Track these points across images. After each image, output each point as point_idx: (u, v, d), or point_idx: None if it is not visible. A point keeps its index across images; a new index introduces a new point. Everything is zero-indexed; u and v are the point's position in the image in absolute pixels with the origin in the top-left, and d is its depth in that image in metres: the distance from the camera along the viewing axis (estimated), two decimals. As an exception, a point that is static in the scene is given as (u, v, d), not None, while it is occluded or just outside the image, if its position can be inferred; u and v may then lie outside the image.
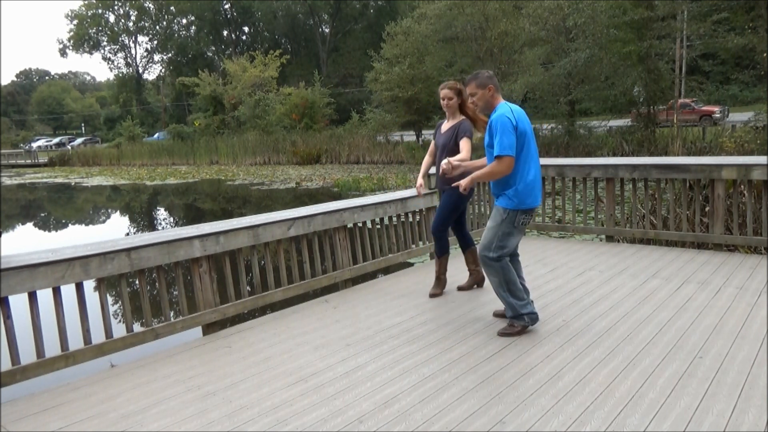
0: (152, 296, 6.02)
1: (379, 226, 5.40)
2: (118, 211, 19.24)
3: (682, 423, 2.55)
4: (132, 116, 54.57)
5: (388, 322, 4.06)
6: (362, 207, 5.09)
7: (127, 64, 68.65)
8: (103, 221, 17.13)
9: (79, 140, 59.90)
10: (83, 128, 77.07)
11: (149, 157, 39.66)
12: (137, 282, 3.84)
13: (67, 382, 3.35)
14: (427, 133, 29.74)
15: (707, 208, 5.88)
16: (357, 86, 44.67)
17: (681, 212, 5.81)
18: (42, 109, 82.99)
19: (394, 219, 5.52)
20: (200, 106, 46.51)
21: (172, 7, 62.68)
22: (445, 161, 3.96)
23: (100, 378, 3.40)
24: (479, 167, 3.91)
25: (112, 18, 65.97)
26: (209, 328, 4.08)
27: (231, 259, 4.25)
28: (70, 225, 16.97)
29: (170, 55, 65.18)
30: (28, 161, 47.35)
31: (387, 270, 5.68)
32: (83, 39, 65.26)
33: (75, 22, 65.50)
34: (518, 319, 3.69)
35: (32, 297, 3.29)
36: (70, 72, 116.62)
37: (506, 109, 3.55)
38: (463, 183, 3.72)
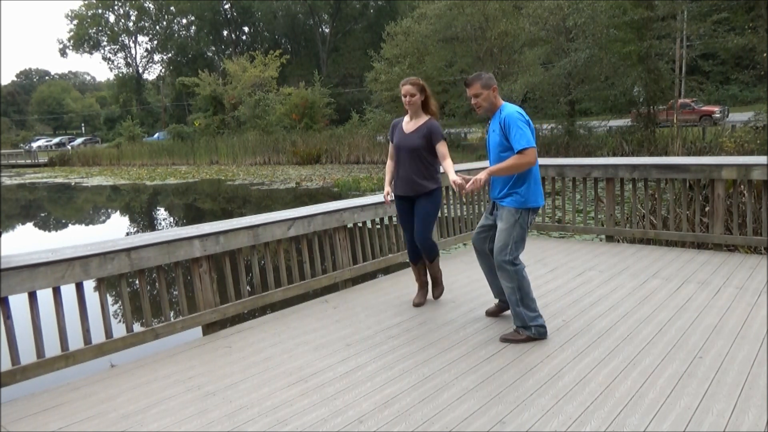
0: (152, 296, 6.02)
1: (379, 226, 5.40)
2: (118, 211, 19.23)
3: (682, 423, 2.55)
4: (132, 116, 54.57)
5: (388, 322, 4.06)
6: (362, 207, 5.09)
7: (127, 64, 68.68)
8: (103, 221, 17.13)
9: (79, 140, 59.88)
10: (83, 128, 77.06)
11: (149, 157, 39.67)
12: (137, 282, 3.84)
13: (67, 382, 3.35)
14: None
15: (707, 208, 5.88)
16: (357, 86, 44.66)
17: (681, 212, 5.81)
18: (42, 109, 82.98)
19: (394, 219, 5.52)
20: (200, 106, 46.52)
21: (172, 7, 62.66)
22: (460, 180, 3.55)
23: (100, 378, 3.40)
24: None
25: (112, 18, 66.00)
26: (209, 328, 4.08)
27: (231, 259, 4.25)
28: (70, 225, 16.97)
29: (170, 55, 65.18)
30: (28, 161, 47.34)
31: (387, 270, 5.68)
32: (83, 39, 65.25)
33: (75, 22, 65.51)
34: (526, 329, 3.61)
35: (32, 297, 3.29)
36: (70, 72, 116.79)
37: (515, 108, 3.60)
38: (482, 176, 3.46)
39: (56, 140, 63.16)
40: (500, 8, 25.31)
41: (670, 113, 22.75)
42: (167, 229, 6.61)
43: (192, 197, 21.22)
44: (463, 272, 5.26)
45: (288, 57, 44.31)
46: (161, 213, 18.51)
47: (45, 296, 3.34)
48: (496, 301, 4.12)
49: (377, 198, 5.34)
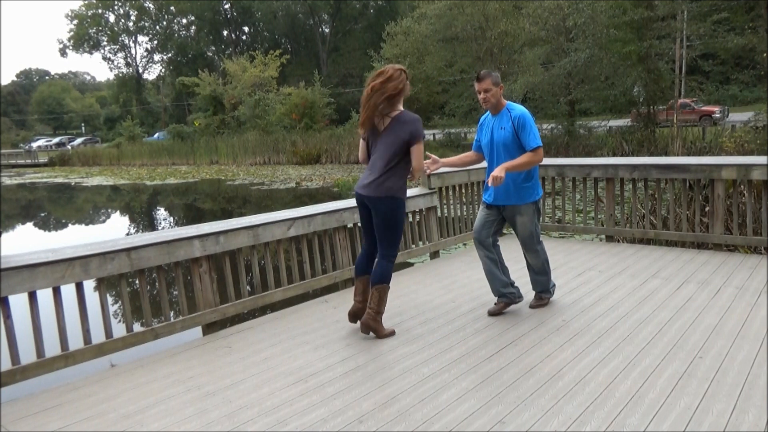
0: (152, 296, 6.01)
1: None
2: (118, 211, 19.24)
3: (682, 423, 2.55)
4: (132, 116, 54.58)
5: (387, 323, 4.05)
6: (362, 207, 5.08)
7: (127, 64, 68.73)
8: (103, 221, 17.13)
9: (79, 140, 59.89)
10: (83, 128, 77.06)
11: (149, 157, 39.67)
12: (137, 282, 3.84)
13: (67, 382, 3.35)
14: (426, 133, 29.74)
15: (707, 208, 5.88)
16: (357, 86, 44.64)
17: (681, 212, 5.81)
18: (42, 109, 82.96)
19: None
20: (200, 106, 46.53)
21: (172, 7, 62.71)
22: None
23: (100, 378, 3.40)
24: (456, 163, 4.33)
25: (112, 18, 66.06)
26: (209, 328, 4.08)
27: (231, 259, 4.25)
28: (70, 225, 16.97)
29: (170, 55, 65.21)
30: (28, 161, 47.35)
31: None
32: (83, 39, 65.30)
33: (75, 22, 65.56)
34: (546, 292, 4.20)
35: (32, 297, 3.29)
36: (70, 72, 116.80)
37: (523, 107, 3.89)
38: (501, 174, 3.64)
39: (56, 140, 63.15)
40: (500, 8, 25.32)
41: (670, 113, 22.76)
42: (167, 229, 6.60)
43: (192, 197, 21.23)
44: (463, 272, 5.26)
45: (288, 57, 44.32)
46: (161, 213, 18.51)
47: (45, 296, 3.34)
48: (496, 300, 4.14)
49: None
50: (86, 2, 64.87)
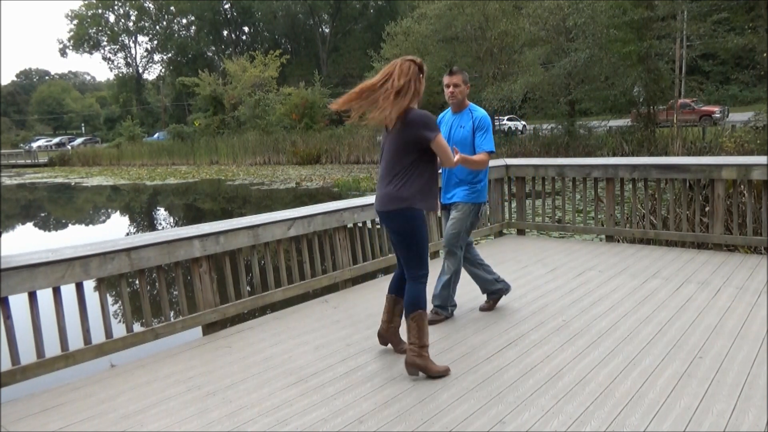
0: (152, 296, 6.01)
1: (379, 226, 5.40)
2: (118, 211, 19.23)
3: (682, 423, 2.55)
4: (132, 116, 54.58)
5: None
6: (362, 207, 5.09)
7: (127, 64, 68.73)
8: (103, 221, 17.13)
9: (79, 140, 59.90)
10: (83, 128, 77.01)
11: (149, 157, 39.67)
12: (137, 282, 3.84)
13: (67, 382, 3.35)
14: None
15: (707, 208, 5.88)
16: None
17: (681, 212, 5.81)
18: (42, 109, 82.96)
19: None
20: (200, 106, 46.51)
21: (172, 7, 62.69)
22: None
23: (100, 378, 3.40)
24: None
25: (112, 18, 66.06)
26: (209, 328, 4.08)
27: (231, 259, 4.25)
28: (70, 225, 16.97)
29: (170, 55, 65.18)
30: (28, 161, 47.37)
31: (387, 270, 5.67)
32: (83, 39, 65.29)
33: (75, 22, 65.55)
34: (444, 309, 4.04)
35: (32, 297, 3.29)
36: (70, 72, 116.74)
37: (485, 111, 3.94)
38: (458, 159, 3.41)
39: (56, 140, 63.16)
40: (500, 8, 25.30)
41: (670, 113, 22.77)
42: (167, 229, 6.60)
43: (192, 197, 21.22)
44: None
45: (288, 57, 44.30)
46: (161, 213, 18.51)
47: (45, 296, 3.34)
48: (485, 297, 4.24)
49: (377, 198, 5.32)
50: (86, 2, 64.88)
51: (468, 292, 4.66)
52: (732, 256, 5.35)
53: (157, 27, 65.69)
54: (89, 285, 3.67)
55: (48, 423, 2.87)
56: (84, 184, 28.31)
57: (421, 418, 2.70)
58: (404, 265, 3.20)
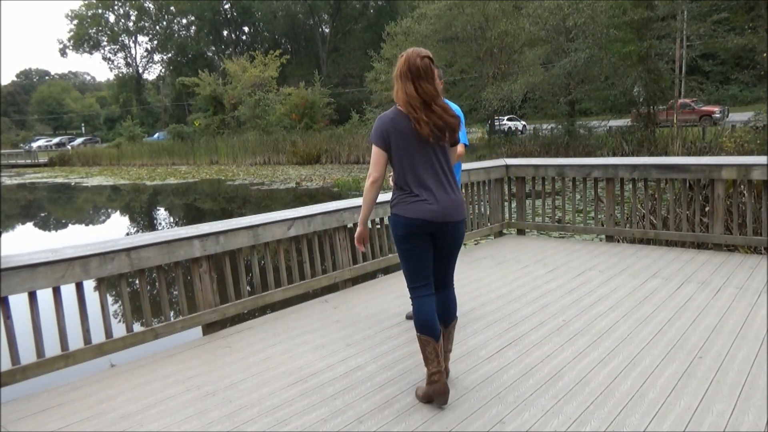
0: (152, 296, 6.01)
1: (379, 226, 5.40)
2: (118, 211, 19.23)
3: (682, 423, 2.55)
4: (132, 116, 54.60)
5: (388, 322, 4.05)
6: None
7: (127, 64, 68.77)
8: (103, 221, 17.13)
9: (79, 140, 59.91)
10: (83, 128, 77.03)
11: (149, 157, 39.66)
12: (137, 282, 3.84)
13: (67, 382, 3.35)
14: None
15: (707, 208, 5.88)
16: (357, 86, 44.66)
17: (681, 212, 5.81)
18: (42, 109, 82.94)
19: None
20: (200, 106, 46.52)
21: (172, 7, 62.71)
22: None
23: (100, 378, 3.40)
24: None
25: (112, 18, 66.10)
26: (209, 328, 4.08)
27: (231, 259, 4.25)
28: (70, 225, 16.97)
29: (170, 55, 65.20)
30: (28, 161, 47.37)
31: (387, 270, 5.67)
32: (83, 39, 65.32)
33: (75, 22, 65.57)
34: None
35: (32, 297, 3.29)
36: (70, 72, 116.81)
37: (458, 107, 3.80)
38: None
39: (56, 140, 63.18)
40: (500, 8, 25.31)
41: (670, 113, 22.76)
42: (167, 229, 6.61)
43: (192, 197, 21.22)
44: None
45: (288, 57, 44.33)
46: (161, 213, 18.51)
47: (45, 296, 3.34)
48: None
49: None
50: (86, 2, 64.90)
51: (469, 292, 4.66)
52: (732, 256, 5.35)
53: (157, 27, 65.72)
54: (89, 285, 3.67)
55: (48, 423, 2.87)
56: (84, 184, 28.31)
57: (421, 418, 2.70)
58: (447, 273, 3.03)
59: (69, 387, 3.29)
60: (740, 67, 25.69)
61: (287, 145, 32.52)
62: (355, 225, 5.09)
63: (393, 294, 4.75)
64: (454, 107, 3.78)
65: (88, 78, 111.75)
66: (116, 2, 64.19)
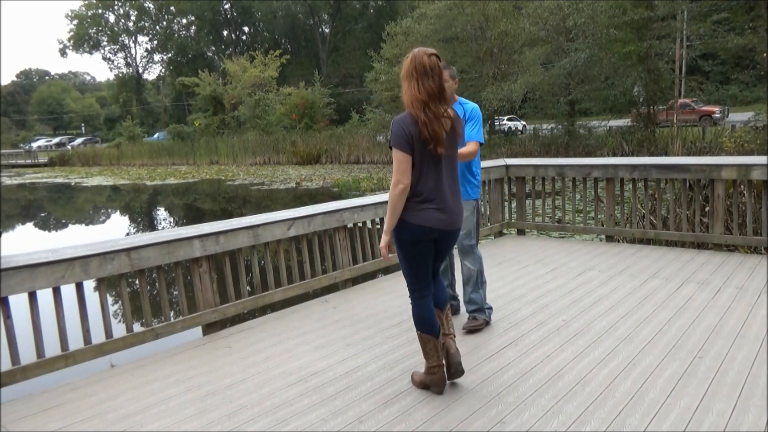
0: (152, 296, 6.01)
1: (379, 226, 5.40)
2: (118, 211, 19.23)
3: (682, 423, 2.55)
4: (132, 116, 54.59)
5: (388, 322, 4.05)
6: (362, 207, 5.09)
7: (127, 64, 68.77)
8: (103, 221, 17.13)
9: (79, 140, 59.90)
10: (83, 128, 77.03)
11: (149, 157, 39.66)
12: (137, 282, 3.84)
13: (67, 382, 3.35)
14: (427, 133, 29.68)
15: (707, 208, 5.88)
16: (357, 86, 44.64)
17: (681, 212, 5.81)
18: (42, 109, 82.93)
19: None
20: (200, 106, 46.53)
21: (172, 7, 62.71)
22: None
23: (100, 378, 3.40)
24: None
25: (112, 18, 66.10)
26: (209, 328, 4.08)
27: (231, 259, 4.25)
28: (70, 225, 16.97)
29: (170, 55, 65.21)
30: (28, 161, 47.36)
31: (387, 270, 5.68)
32: (83, 39, 65.32)
33: (75, 22, 65.58)
34: (481, 312, 3.85)
35: (32, 297, 3.29)
36: (70, 72, 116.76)
37: (476, 105, 3.89)
38: None
39: (56, 140, 63.16)
40: (500, 8, 25.29)
41: (670, 113, 22.76)
42: (167, 229, 6.61)
43: (192, 197, 21.22)
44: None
45: (288, 57, 44.32)
46: (161, 213, 18.51)
47: (45, 296, 3.34)
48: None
49: (377, 198, 5.33)
50: (86, 2, 64.90)
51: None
52: (732, 256, 5.35)
53: (157, 27, 65.72)
54: (89, 285, 3.67)
55: (48, 423, 2.87)
56: (84, 184, 28.31)
57: (421, 418, 2.70)
58: (437, 268, 3.04)
59: (69, 387, 3.29)
60: (740, 67, 25.68)
61: (287, 145, 32.52)
62: (355, 225, 5.13)
63: (393, 294, 4.75)
64: (472, 105, 3.83)
65: (88, 78, 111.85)
66: (116, 2, 64.19)
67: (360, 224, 5.17)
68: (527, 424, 2.61)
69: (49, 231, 16.33)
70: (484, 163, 6.64)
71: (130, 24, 65.94)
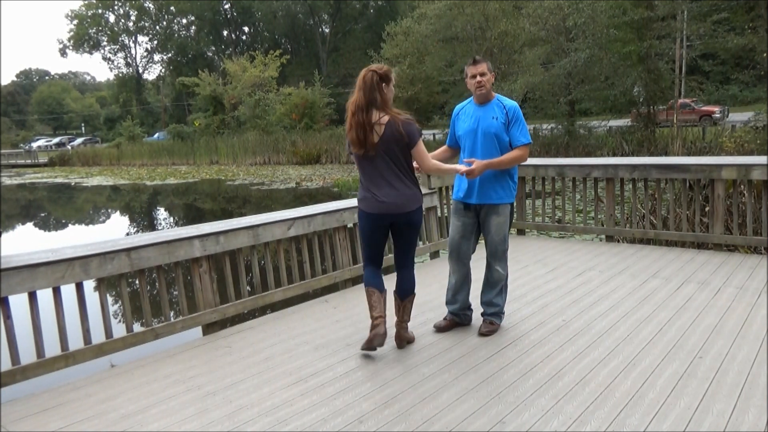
0: (152, 296, 6.01)
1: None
2: (118, 211, 19.23)
3: (682, 423, 2.55)
4: (132, 116, 54.54)
5: (388, 322, 4.05)
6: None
7: (127, 64, 68.76)
8: (103, 221, 17.13)
9: (79, 140, 59.88)
10: (83, 128, 77.01)
11: (149, 157, 39.65)
12: (137, 282, 3.84)
13: (67, 382, 3.35)
14: (426, 133, 29.75)
15: (707, 208, 5.88)
16: (357, 86, 44.57)
17: (681, 212, 5.81)
18: (42, 109, 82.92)
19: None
20: (200, 106, 46.49)
21: (172, 7, 62.69)
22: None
23: (100, 378, 3.40)
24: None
25: (112, 18, 66.08)
26: (209, 328, 4.08)
27: (231, 259, 4.25)
28: (70, 225, 16.96)
29: (170, 55, 65.19)
30: (28, 161, 47.33)
31: (387, 270, 5.67)
32: (83, 39, 65.30)
33: (75, 22, 65.56)
34: (497, 316, 3.82)
35: (32, 297, 3.29)
36: (70, 72, 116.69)
37: (514, 101, 3.70)
38: (478, 167, 3.45)
39: (56, 140, 63.14)
40: (500, 8, 25.30)
41: (670, 113, 22.75)
42: (167, 229, 6.61)
43: (192, 197, 21.22)
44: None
45: (288, 57, 44.26)
46: (161, 213, 18.51)
47: (45, 296, 3.34)
48: (446, 315, 3.91)
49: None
50: (86, 2, 64.88)
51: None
52: (732, 256, 5.35)
53: (157, 27, 65.71)
54: (89, 285, 3.67)
55: (48, 423, 2.87)
56: (84, 184, 28.30)
57: (421, 418, 2.70)
58: (401, 257, 3.59)
59: (69, 387, 3.29)
60: (740, 67, 25.68)
61: (287, 145, 32.50)
62: (355, 225, 5.12)
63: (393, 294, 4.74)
64: (510, 104, 3.65)
65: (88, 78, 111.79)
66: (116, 2, 64.19)
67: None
68: (527, 424, 2.61)
69: (49, 231, 16.32)
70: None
71: (130, 24, 65.95)
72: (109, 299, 3.78)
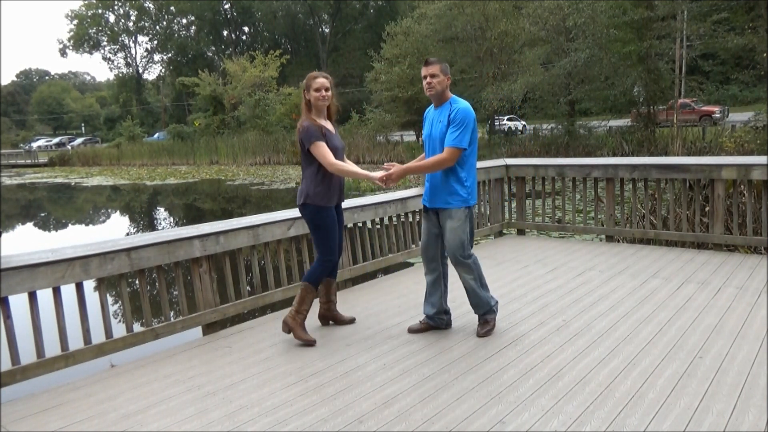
0: (152, 296, 6.01)
1: (379, 226, 5.40)
2: (118, 211, 19.24)
3: (682, 423, 2.55)
4: (132, 116, 54.56)
5: (388, 322, 4.06)
6: (362, 207, 5.09)
7: (127, 64, 68.81)
8: (103, 221, 17.13)
9: (79, 140, 59.88)
10: (83, 128, 76.99)
11: (149, 157, 39.67)
12: (137, 282, 3.84)
13: (67, 382, 3.35)
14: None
15: (707, 208, 5.88)
16: (357, 86, 44.63)
17: (681, 212, 5.81)
18: (42, 109, 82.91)
19: (394, 219, 5.52)
20: (200, 106, 46.51)
21: (172, 7, 62.74)
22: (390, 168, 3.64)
23: (100, 378, 3.40)
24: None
25: (112, 18, 66.14)
26: (209, 328, 4.08)
27: (231, 259, 4.25)
28: (70, 225, 16.97)
29: (170, 55, 65.23)
30: (28, 161, 47.36)
31: (387, 270, 5.68)
32: (83, 39, 65.34)
33: (75, 22, 65.60)
34: (490, 312, 3.78)
35: (32, 297, 3.29)
36: (70, 72, 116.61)
37: (468, 104, 3.57)
38: (395, 172, 3.54)
39: (56, 140, 63.15)
40: (500, 8, 25.31)
41: (670, 113, 22.75)
42: (167, 229, 6.61)
43: (192, 197, 21.22)
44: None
45: (288, 57, 44.26)
46: (161, 213, 18.51)
47: (45, 296, 3.34)
48: (422, 317, 3.91)
49: (377, 198, 5.34)
50: (86, 2, 64.93)
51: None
52: (732, 256, 5.35)
53: (157, 27, 65.74)
54: (89, 285, 3.67)
55: (48, 423, 2.87)
56: (84, 184, 28.31)
57: (421, 418, 2.70)
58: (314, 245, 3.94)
59: (69, 387, 3.29)
60: (740, 67, 25.69)
61: (287, 145, 32.48)
62: (355, 225, 5.13)
63: (393, 294, 4.75)
64: (458, 106, 3.54)
65: (88, 78, 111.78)
66: (116, 2, 64.23)
67: (360, 224, 5.17)
68: (527, 424, 2.61)
69: (49, 231, 16.33)
70: (484, 163, 6.64)
71: (130, 24, 66.00)
72: (109, 299, 3.78)
